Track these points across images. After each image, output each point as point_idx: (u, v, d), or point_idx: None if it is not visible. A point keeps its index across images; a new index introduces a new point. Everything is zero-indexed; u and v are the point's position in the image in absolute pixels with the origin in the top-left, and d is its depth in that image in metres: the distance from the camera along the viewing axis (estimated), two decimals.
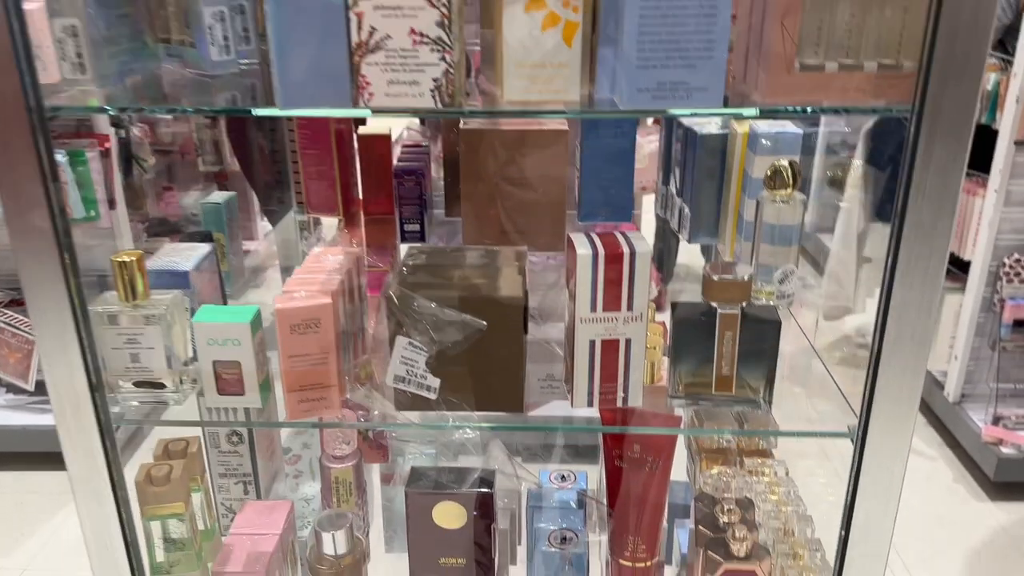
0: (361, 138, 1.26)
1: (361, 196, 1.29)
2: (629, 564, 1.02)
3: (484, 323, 0.74)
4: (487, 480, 1.03)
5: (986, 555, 1.98)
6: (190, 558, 0.91)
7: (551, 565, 0.92)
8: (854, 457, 0.77)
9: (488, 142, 1.04)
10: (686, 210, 1.16)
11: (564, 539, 0.93)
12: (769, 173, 0.96)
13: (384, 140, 1.28)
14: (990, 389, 2.29)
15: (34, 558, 1.89)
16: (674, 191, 1.22)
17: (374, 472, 1.37)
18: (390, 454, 1.29)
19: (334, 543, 0.92)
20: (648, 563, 1.02)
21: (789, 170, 0.95)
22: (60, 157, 2.38)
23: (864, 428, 0.75)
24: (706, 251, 1.84)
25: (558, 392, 1.46)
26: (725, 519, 0.91)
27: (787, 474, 1.05)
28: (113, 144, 2.61)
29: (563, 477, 1.04)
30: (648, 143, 2.05)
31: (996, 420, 2.26)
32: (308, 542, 0.96)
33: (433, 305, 0.75)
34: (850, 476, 0.77)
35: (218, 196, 1.08)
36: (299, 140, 1.23)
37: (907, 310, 0.69)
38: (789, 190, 0.96)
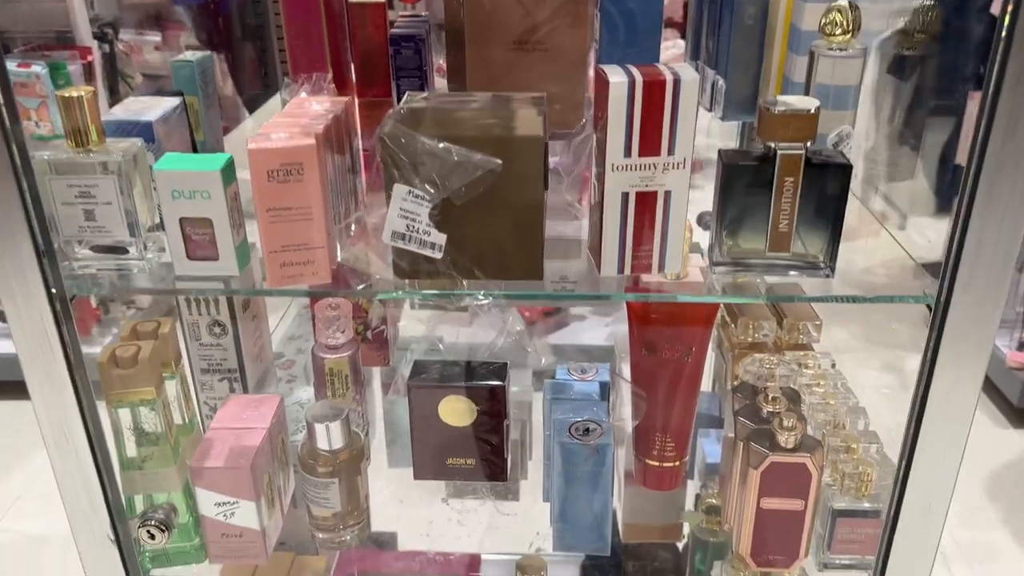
0: (352, 7, 1.12)
1: (354, 78, 1.16)
2: (656, 464, 0.92)
3: (499, 161, 0.62)
4: (498, 373, 0.92)
5: (1008, 481, 1.90)
6: (165, 453, 0.80)
7: (572, 459, 0.81)
8: (933, 324, 0.66)
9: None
10: (720, 82, 1.03)
11: (587, 430, 0.82)
12: (825, 18, 0.83)
13: (379, 9, 1.14)
14: (1016, 313, 2.18)
15: (31, 485, 1.82)
16: (704, 63, 1.09)
17: (375, 380, 1.27)
18: (391, 356, 1.19)
19: (328, 435, 0.82)
20: (676, 463, 0.92)
21: (848, 12, 0.82)
22: (39, 69, 2.23)
23: (950, 284, 0.63)
24: None
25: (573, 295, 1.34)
26: (770, 408, 0.80)
27: (833, 367, 0.94)
28: (96, 58, 2.46)
29: (583, 370, 0.93)
30: (665, 50, 1.89)
31: (1021, 345, 2.16)
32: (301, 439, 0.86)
33: (439, 144, 0.62)
34: (928, 346, 0.66)
35: (190, 55, 0.94)
36: (284, 10, 1.10)
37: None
38: (848, 36, 0.83)
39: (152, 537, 0.76)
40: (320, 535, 0.87)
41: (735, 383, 0.91)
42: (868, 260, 0.75)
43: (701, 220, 0.99)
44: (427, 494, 1.02)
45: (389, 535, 1.50)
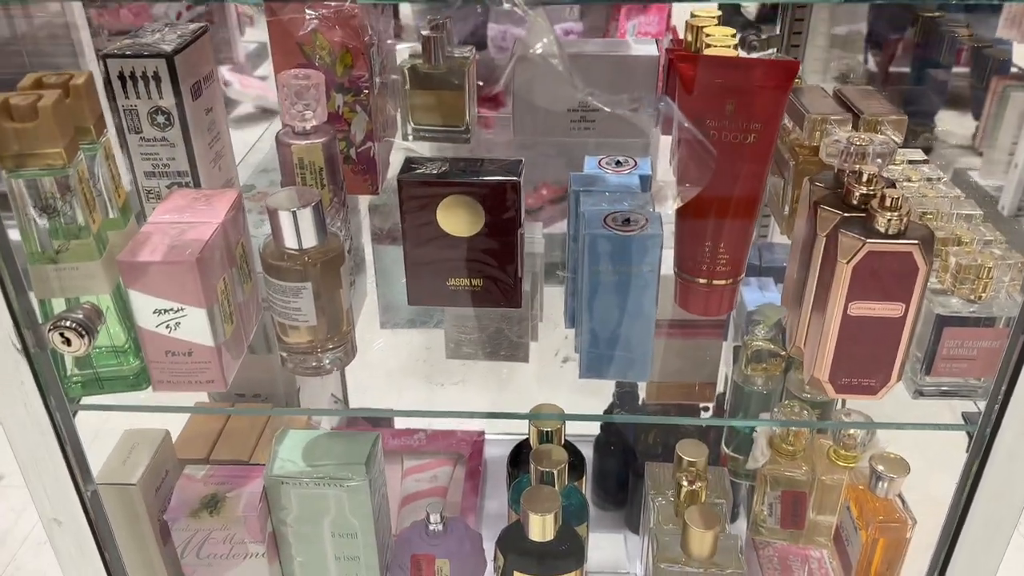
0: None
1: None
2: (704, 282, 0.75)
3: None
4: (511, 168, 0.74)
5: None
6: (86, 246, 0.63)
7: (608, 256, 0.63)
8: None
9: None
10: None
11: (628, 220, 0.64)
12: None
13: None
14: None
15: None
16: None
17: (361, 215, 1.09)
18: (380, 182, 1.00)
19: (296, 227, 0.64)
20: (729, 281, 0.75)
21: None
22: None
23: None
24: None
25: None
26: (864, 190, 0.63)
27: (926, 163, 0.76)
28: None
29: (618, 162, 0.75)
30: None
31: None
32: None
33: None
34: None
35: None
36: None
37: None
38: None
39: (67, 342, 0.59)
40: (292, 361, 0.70)
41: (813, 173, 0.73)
42: None
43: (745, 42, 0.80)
44: (428, 360, 0.86)
45: (383, 409, 1.36)
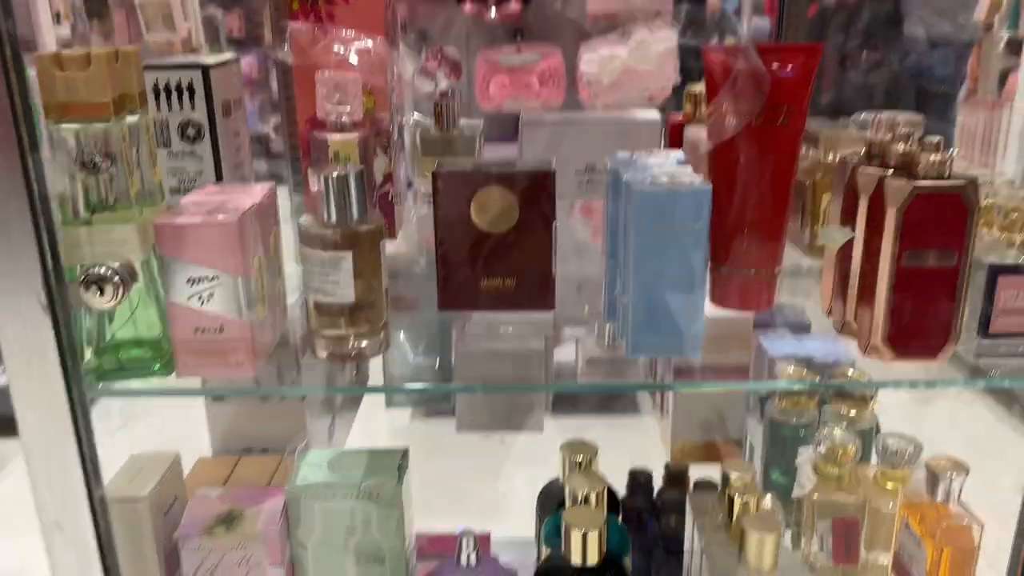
0: None
1: None
2: (738, 272, 0.74)
3: None
4: (542, 164, 0.75)
5: None
6: (123, 212, 0.61)
7: (657, 216, 0.63)
8: None
9: None
10: None
11: (675, 182, 0.64)
12: None
13: None
14: None
15: None
16: None
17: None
18: (399, 224, 0.99)
19: (339, 194, 0.63)
20: (765, 270, 0.74)
21: None
22: None
23: None
24: None
25: None
26: (904, 147, 0.64)
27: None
28: None
29: (650, 153, 0.76)
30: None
31: None
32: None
33: None
34: None
35: None
36: None
37: None
38: None
39: (100, 291, 0.56)
40: (323, 347, 0.66)
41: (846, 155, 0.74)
42: None
43: None
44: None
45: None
